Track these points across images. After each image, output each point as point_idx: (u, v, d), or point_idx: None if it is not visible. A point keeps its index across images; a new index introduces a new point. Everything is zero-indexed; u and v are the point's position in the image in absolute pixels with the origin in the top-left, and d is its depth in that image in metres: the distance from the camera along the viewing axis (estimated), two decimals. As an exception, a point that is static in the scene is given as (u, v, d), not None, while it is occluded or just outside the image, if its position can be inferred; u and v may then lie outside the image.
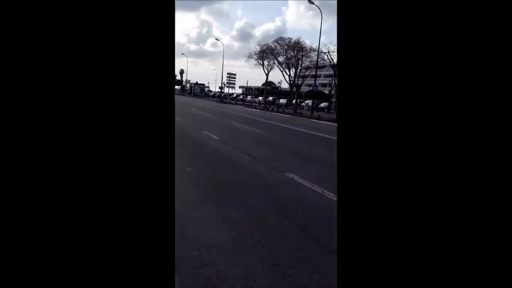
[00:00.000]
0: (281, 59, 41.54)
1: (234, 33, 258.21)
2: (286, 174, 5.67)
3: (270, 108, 37.43)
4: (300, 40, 41.60)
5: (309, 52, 39.74)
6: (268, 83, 50.04)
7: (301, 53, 40.16)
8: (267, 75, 44.28)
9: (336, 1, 1.19)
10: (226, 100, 50.68)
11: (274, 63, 42.21)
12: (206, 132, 10.93)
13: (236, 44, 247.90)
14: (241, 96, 69.35)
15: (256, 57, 43.46)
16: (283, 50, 41.03)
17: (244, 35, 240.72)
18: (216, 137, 9.83)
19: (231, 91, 68.31)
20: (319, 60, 33.14)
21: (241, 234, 3.14)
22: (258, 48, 44.88)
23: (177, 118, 15.74)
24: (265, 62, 43.06)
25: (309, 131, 13.76)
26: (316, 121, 21.77)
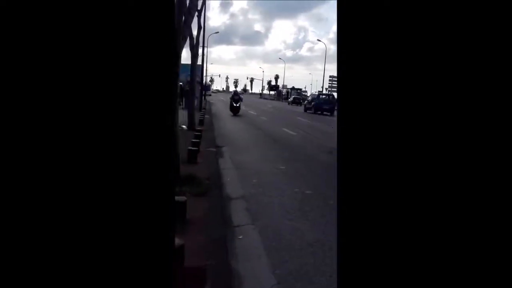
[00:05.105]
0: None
1: (331, 35, 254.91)
2: None
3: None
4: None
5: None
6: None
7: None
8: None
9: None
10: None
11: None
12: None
13: (333, 48, 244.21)
14: (338, 100, 66.12)
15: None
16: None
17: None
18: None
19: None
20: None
21: None
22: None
23: (291, 132, 13.34)
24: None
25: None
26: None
